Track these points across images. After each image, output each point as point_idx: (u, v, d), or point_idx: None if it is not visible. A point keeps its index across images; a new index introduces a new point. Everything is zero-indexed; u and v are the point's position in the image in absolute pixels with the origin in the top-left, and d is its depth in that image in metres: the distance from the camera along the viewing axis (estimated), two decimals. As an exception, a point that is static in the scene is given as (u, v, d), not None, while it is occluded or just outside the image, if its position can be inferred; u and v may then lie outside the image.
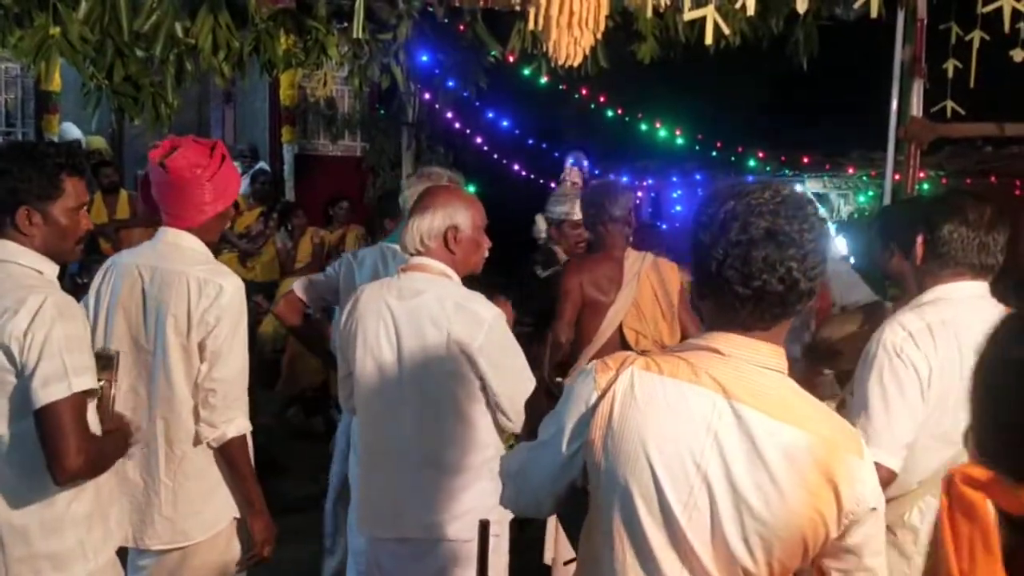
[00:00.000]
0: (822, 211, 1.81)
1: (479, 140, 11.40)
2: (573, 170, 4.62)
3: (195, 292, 2.78)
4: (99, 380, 2.49)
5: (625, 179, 12.74)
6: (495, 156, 11.77)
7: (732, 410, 1.67)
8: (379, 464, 2.91)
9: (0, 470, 2.39)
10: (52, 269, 2.48)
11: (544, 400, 2.23)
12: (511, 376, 2.82)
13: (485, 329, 2.78)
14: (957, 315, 2.54)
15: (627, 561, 1.72)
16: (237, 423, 2.86)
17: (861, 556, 1.71)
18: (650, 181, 13.29)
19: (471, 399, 2.83)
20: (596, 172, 12.91)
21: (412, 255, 2.89)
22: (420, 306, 2.80)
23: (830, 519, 1.66)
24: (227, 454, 2.87)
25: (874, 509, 1.69)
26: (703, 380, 1.69)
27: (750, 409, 1.66)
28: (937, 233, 2.57)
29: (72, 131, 9.02)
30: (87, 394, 2.37)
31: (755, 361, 1.70)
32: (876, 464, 2.41)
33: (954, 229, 2.56)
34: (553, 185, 12.97)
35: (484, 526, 2.48)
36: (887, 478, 2.45)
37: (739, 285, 1.66)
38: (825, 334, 3.79)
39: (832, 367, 3.79)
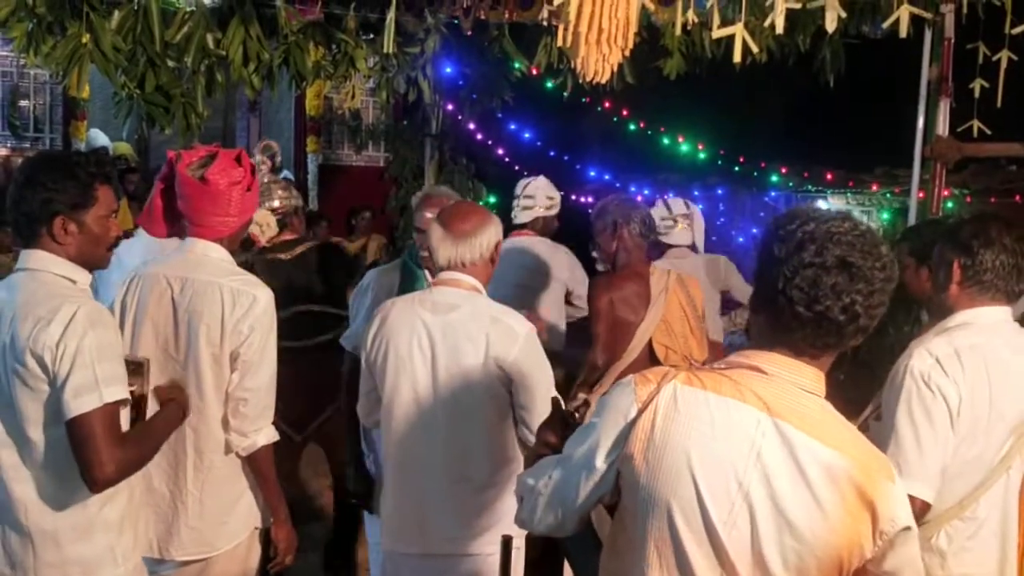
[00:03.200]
0: (889, 257, 1.83)
1: (501, 151, 11.43)
2: (267, 161, 4.60)
3: (229, 302, 2.80)
4: (130, 386, 2.51)
5: (647, 192, 12.75)
6: (516, 167, 11.79)
7: (776, 428, 1.67)
8: (407, 479, 2.91)
9: (33, 476, 2.41)
10: (85, 278, 2.50)
11: (556, 419, 2.24)
12: (540, 391, 2.83)
13: (520, 344, 2.80)
14: (986, 339, 2.53)
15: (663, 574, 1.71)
16: (266, 432, 2.88)
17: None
18: (671, 195, 13.26)
19: (502, 414, 2.84)
20: (617, 185, 12.95)
21: (443, 269, 2.90)
22: (456, 320, 2.82)
23: (866, 539, 1.67)
24: (255, 463, 2.89)
25: (907, 528, 1.69)
26: (747, 397, 1.69)
27: (793, 428, 1.67)
28: (979, 259, 2.55)
29: (99, 137, 9.11)
30: (119, 403, 2.38)
31: (797, 383, 1.71)
32: (910, 497, 2.42)
33: (996, 256, 2.55)
34: (574, 198, 13.01)
35: (507, 541, 2.48)
36: (922, 509, 2.44)
37: (801, 306, 1.67)
38: None
39: None
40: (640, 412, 1.73)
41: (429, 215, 3.48)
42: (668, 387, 1.73)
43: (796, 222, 1.71)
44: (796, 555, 1.65)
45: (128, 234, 3.63)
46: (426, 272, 3.58)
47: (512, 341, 2.80)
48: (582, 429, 1.85)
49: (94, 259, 2.52)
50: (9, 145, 9.45)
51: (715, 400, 1.70)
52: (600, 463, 1.78)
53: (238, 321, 2.79)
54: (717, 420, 1.68)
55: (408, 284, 3.56)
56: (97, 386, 2.31)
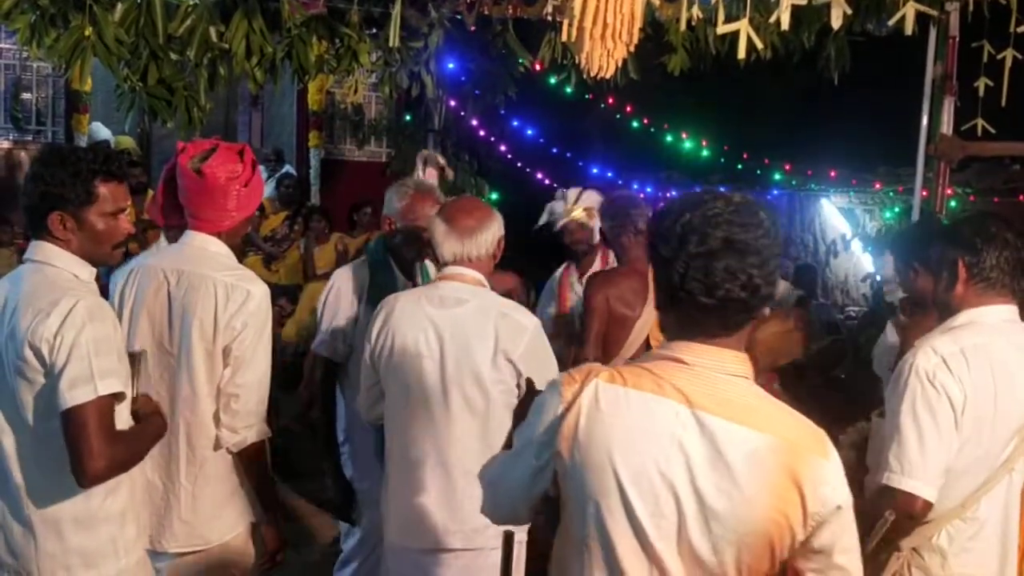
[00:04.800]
0: (769, 220, 1.84)
1: (503, 148, 11.42)
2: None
3: (222, 297, 2.79)
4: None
5: (649, 190, 12.74)
6: (519, 164, 11.79)
7: (695, 418, 1.70)
8: (411, 474, 2.91)
9: (34, 465, 2.41)
10: (89, 272, 2.49)
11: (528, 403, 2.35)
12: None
13: (527, 338, 2.84)
14: (990, 339, 2.53)
15: (594, 571, 1.75)
16: (257, 428, 2.87)
17: (831, 555, 1.73)
18: (674, 192, 13.26)
19: (508, 407, 2.83)
20: (620, 182, 12.93)
21: (447, 264, 2.91)
22: (463, 315, 2.83)
23: (795, 521, 1.68)
24: (246, 459, 2.88)
25: (839, 507, 1.70)
26: (666, 390, 1.72)
27: (713, 416, 1.69)
28: (984, 256, 2.56)
29: (101, 131, 9.08)
30: (114, 397, 2.37)
31: (718, 368, 1.73)
32: (912, 495, 2.42)
33: (1000, 252, 2.56)
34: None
35: (508, 536, 2.48)
36: (923, 508, 2.45)
37: (703, 296, 1.69)
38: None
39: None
40: (566, 411, 1.77)
41: (431, 211, 3.47)
42: (591, 385, 1.76)
43: (671, 217, 1.74)
44: (725, 542, 1.68)
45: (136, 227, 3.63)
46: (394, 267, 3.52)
47: (520, 335, 2.82)
48: (522, 426, 1.90)
49: (97, 256, 2.50)
50: (11, 138, 9.44)
51: (635, 396, 1.73)
52: (535, 461, 1.83)
53: (231, 316, 2.78)
54: (637, 416, 1.72)
55: (381, 280, 3.46)
56: (92, 378, 2.30)
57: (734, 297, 1.68)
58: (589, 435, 1.74)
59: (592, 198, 4.81)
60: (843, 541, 1.73)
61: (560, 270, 5.01)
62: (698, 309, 1.70)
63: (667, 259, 1.72)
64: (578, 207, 4.80)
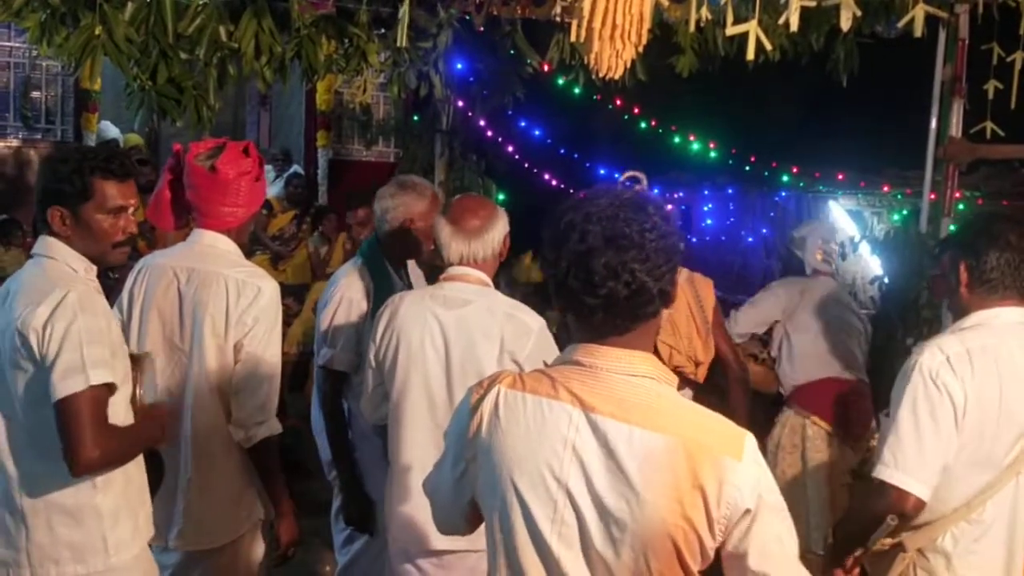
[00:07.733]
0: (658, 215, 1.69)
1: (511, 149, 11.40)
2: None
3: (233, 293, 2.81)
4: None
5: (656, 191, 12.71)
6: (526, 165, 11.77)
7: (588, 421, 1.66)
8: (416, 476, 2.88)
9: (25, 456, 2.41)
10: (86, 266, 2.49)
11: None
12: None
13: (533, 338, 2.82)
14: (999, 341, 2.53)
15: None
16: (268, 424, 2.89)
17: (746, 559, 1.66)
18: (681, 194, 13.24)
19: None
20: (627, 184, 12.88)
21: (452, 265, 2.90)
22: (469, 315, 2.83)
23: (699, 524, 1.63)
24: (256, 455, 2.89)
25: (748, 511, 1.64)
26: (561, 394, 1.69)
27: (607, 419, 1.65)
28: (984, 259, 2.55)
29: (110, 130, 9.10)
30: (107, 387, 2.36)
31: (617, 369, 1.68)
32: (904, 491, 2.40)
33: (1000, 255, 2.55)
34: (583, 196, 12.98)
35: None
36: (915, 506, 2.45)
37: (585, 295, 1.65)
38: None
39: None
40: (471, 419, 1.74)
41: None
42: (493, 392, 1.73)
43: (556, 216, 1.70)
44: (627, 546, 1.62)
45: (140, 227, 3.61)
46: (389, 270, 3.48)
47: (526, 335, 2.82)
48: (445, 433, 1.87)
49: (95, 253, 2.50)
50: (21, 136, 9.47)
51: (531, 401, 1.69)
52: (454, 470, 1.80)
53: (243, 312, 2.80)
54: (531, 420, 1.68)
55: (382, 286, 3.39)
56: (84, 368, 2.29)
57: (619, 296, 1.63)
58: (490, 442, 1.71)
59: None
60: (757, 543, 1.65)
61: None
62: (584, 307, 1.66)
63: (552, 260, 1.69)
64: None
